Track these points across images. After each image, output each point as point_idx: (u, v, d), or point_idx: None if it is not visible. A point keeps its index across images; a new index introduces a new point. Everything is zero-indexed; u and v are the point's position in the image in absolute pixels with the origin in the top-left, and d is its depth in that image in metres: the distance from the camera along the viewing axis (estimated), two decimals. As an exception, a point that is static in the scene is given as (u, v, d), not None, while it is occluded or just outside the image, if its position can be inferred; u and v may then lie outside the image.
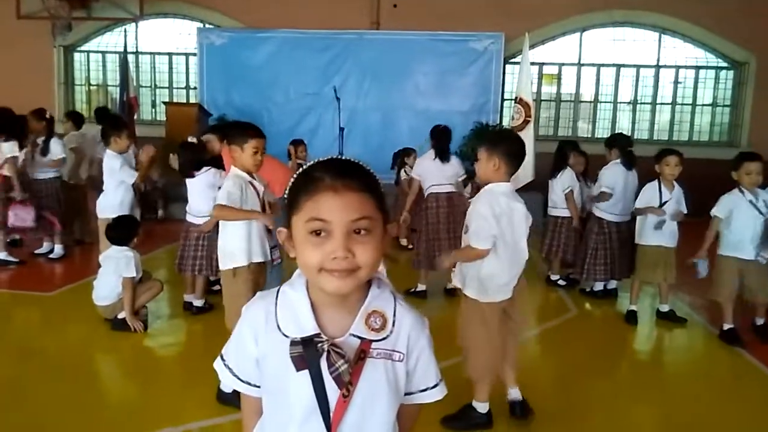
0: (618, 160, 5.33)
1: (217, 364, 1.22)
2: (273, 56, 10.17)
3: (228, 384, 1.21)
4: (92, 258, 4.55)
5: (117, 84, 9.80)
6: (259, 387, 1.19)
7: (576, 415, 3.35)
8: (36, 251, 6.28)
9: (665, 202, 4.67)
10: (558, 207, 5.75)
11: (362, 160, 1.11)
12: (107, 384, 3.78)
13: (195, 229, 4.58)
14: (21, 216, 5.71)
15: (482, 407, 3.03)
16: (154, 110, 11.36)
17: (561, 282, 5.79)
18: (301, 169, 1.09)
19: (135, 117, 9.50)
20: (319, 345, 1.07)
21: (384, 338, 1.12)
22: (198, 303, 4.69)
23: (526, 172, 8.05)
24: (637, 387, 3.75)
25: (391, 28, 10.23)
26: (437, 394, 1.22)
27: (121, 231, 4.46)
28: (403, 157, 7.55)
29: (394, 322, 1.14)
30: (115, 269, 4.31)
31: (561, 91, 11.01)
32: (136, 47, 11.16)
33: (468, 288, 2.94)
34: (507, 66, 10.36)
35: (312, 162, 1.10)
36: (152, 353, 4.17)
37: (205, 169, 4.60)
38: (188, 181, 4.65)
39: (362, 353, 1.10)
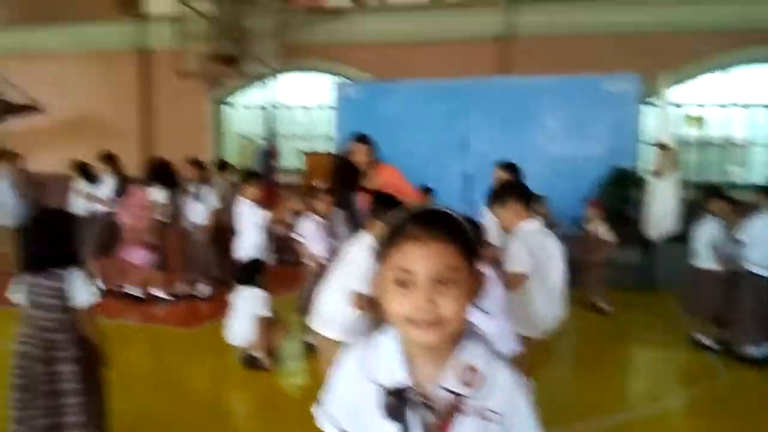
0: (772, 209, 4.83)
1: (315, 410, 1.24)
2: (403, 106, 10.41)
3: (325, 429, 1.22)
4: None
5: (262, 135, 10.54)
6: None
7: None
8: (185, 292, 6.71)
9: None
10: (702, 258, 5.29)
11: (452, 207, 1.09)
12: (236, 419, 3.96)
13: None
14: (140, 255, 6.27)
15: None
16: (294, 159, 12.07)
17: (709, 343, 5.25)
18: (391, 220, 1.10)
19: (276, 165, 10.13)
20: (410, 397, 1.06)
21: (476, 394, 1.09)
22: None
23: (668, 220, 7.57)
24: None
25: (518, 72, 10.15)
26: None
27: (245, 272, 4.72)
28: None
29: (487, 379, 1.10)
30: (249, 309, 4.54)
31: (707, 133, 10.24)
32: (278, 101, 11.98)
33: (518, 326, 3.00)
34: (644, 108, 9.85)
35: (401, 212, 1.10)
36: (282, 392, 4.33)
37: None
38: None
39: (453, 408, 1.07)
